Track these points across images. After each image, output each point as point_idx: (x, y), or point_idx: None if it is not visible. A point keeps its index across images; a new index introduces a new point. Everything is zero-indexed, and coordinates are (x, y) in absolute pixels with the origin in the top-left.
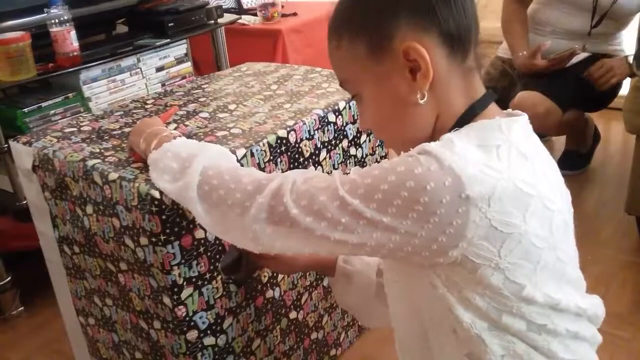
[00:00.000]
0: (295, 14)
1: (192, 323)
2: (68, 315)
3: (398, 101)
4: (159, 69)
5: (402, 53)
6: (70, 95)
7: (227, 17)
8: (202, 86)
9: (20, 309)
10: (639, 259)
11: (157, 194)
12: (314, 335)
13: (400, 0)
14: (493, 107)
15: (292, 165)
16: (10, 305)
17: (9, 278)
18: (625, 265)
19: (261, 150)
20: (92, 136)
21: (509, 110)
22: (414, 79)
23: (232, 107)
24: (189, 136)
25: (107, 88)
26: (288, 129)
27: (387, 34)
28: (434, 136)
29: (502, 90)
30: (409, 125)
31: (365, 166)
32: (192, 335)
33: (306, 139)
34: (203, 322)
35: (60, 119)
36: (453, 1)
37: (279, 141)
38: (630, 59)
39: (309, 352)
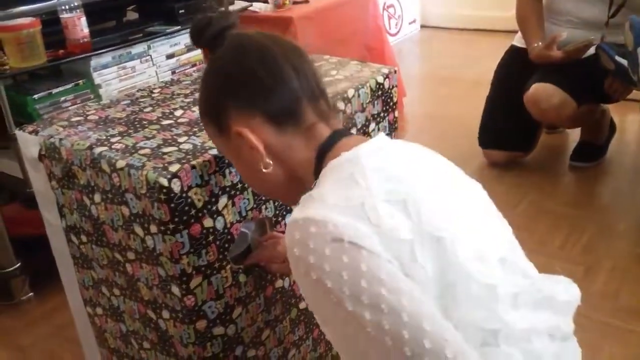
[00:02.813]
0: (307, 1)
1: (202, 312)
2: (75, 305)
3: (252, 169)
4: (170, 56)
5: (236, 136)
6: (80, 82)
7: (238, 4)
8: None
9: (29, 294)
10: None
11: (165, 182)
12: None
13: (226, 92)
14: (341, 144)
15: None
16: (20, 290)
17: (19, 264)
18: None
19: None
20: (99, 124)
21: (358, 136)
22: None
23: None
24: (196, 122)
25: (117, 75)
26: None
27: (222, 120)
28: (303, 185)
29: (517, 75)
30: (271, 186)
31: None
32: (202, 324)
33: None
34: (212, 312)
35: (71, 105)
36: (275, 84)
37: None
38: None
39: (318, 342)
